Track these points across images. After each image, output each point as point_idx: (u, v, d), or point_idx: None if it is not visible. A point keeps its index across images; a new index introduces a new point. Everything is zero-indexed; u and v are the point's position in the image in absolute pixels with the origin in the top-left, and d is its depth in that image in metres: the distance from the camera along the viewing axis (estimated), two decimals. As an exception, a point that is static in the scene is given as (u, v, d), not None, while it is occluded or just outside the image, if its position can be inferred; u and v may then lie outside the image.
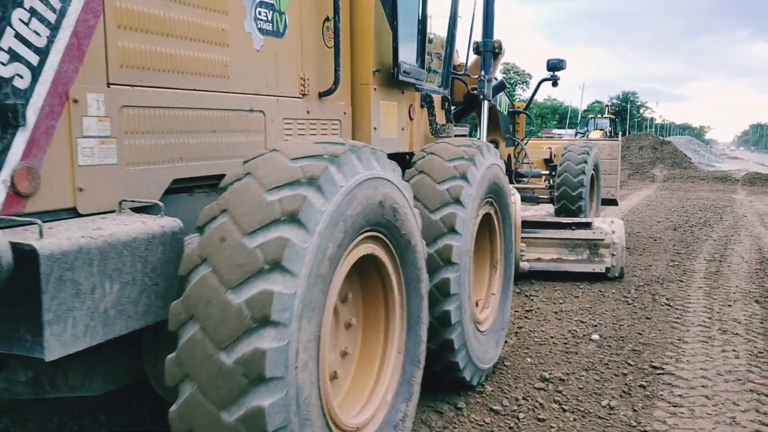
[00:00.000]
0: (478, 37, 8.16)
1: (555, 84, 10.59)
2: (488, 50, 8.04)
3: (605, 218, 9.42)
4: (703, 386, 5.12)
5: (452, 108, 6.84)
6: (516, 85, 75.83)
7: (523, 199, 10.37)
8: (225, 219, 2.58)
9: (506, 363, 5.53)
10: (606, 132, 40.82)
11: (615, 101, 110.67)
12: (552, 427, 4.40)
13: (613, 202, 13.34)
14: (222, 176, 3.33)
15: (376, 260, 3.46)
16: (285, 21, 3.94)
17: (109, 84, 2.75)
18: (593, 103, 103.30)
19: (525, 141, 11.06)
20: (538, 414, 4.58)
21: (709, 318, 7.02)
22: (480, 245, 5.21)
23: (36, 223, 2.19)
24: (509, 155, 10.53)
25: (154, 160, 3.00)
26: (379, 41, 4.80)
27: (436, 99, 6.22)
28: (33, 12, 2.38)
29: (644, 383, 5.16)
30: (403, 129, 5.39)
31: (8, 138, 2.32)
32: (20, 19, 2.34)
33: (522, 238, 7.88)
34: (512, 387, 5.05)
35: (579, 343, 6.14)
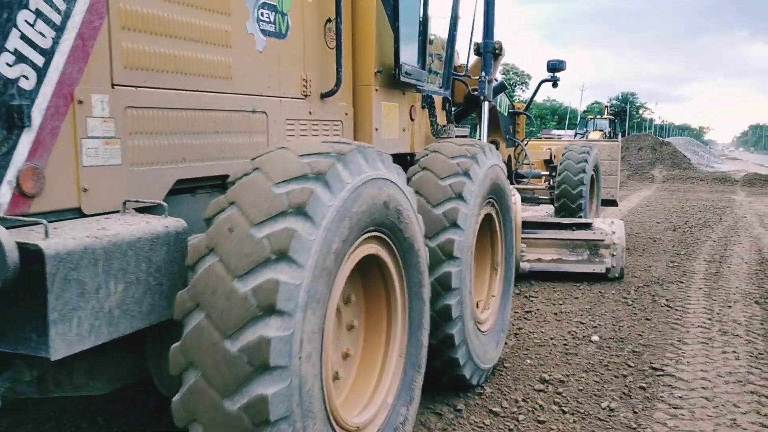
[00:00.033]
0: (478, 38, 8.19)
1: (555, 85, 10.60)
2: (489, 51, 8.06)
3: (605, 219, 9.44)
4: (703, 388, 5.12)
5: (453, 109, 6.85)
6: (515, 86, 75.83)
7: (523, 200, 10.38)
8: (233, 210, 2.62)
9: (506, 364, 5.53)
10: (605, 133, 40.83)
11: (614, 102, 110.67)
12: (552, 429, 4.40)
13: (613, 203, 13.37)
14: (225, 177, 3.37)
15: (379, 262, 3.48)
16: (287, 22, 3.96)
17: (113, 85, 2.76)
18: (592, 103, 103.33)
19: (525, 142, 11.08)
20: (538, 416, 4.58)
21: (709, 319, 7.02)
22: (481, 246, 5.23)
23: (41, 223, 2.21)
24: (509, 156, 10.55)
25: (158, 161, 3.02)
26: (381, 42, 4.82)
27: (437, 100, 6.24)
28: (38, 13, 2.40)
29: (644, 385, 5.16)
30: (404, 130, 5.41)
31: (14, 138, 2.34)
32: (26, 21, 2.35)
33: (522, 238, 7.90)
34: (512, 388, 5.05)
35: (579, 344, 6.14)
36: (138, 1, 2.88)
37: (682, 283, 8.75)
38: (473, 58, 8.29)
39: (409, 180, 4.54)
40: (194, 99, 3.23)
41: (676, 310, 7.38)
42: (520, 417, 4.55)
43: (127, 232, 2.47)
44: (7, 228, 2.13)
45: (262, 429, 2.42)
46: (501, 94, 9.82)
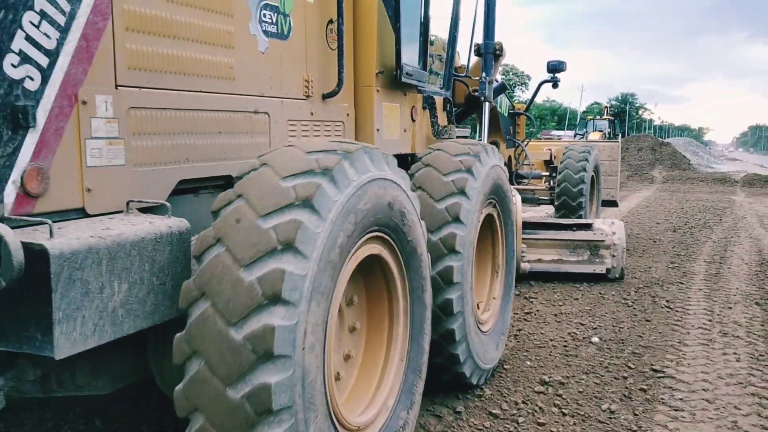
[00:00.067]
0: (479, 39, 8.20)
1: (555, 86, 10.62)
2: (489, 52, 8.08)
3: (605, 219, 9.46)
4: (704, 390, 5.11)
5: (454, 109, 6.87)
6: (515, 87, 75.85)
7: (524, 201, 10.40)
8: (241, 203, 2.65)
9: (505, 366, 5.52)
10: (605, 133, 40.89)
11: (614, 103, 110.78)
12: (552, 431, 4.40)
13: (613, 204, 13.39)
14: (227, 177, 3.39)
15: (382, 264, 3.50)
16: (289, 23, 3.97)
17: (117, 86, 2.78)
18: (592, 104, 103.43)
19: (525, 142, 11.09)
20: (538, 418, 4.56)
21: (710, 320, 7.02)
22: (481, 248, 5.25)
23: (46, 223, 2.22)
24: (510, 157, 10.56)
25: (161, 161, 3.03)
26: (382, 43, 4.83)
27: (438, 100, 6.25)
28: (43, 15, 2.41)
29: (645, 387, 5.14)
30: (405, 130, 5.43)
31: (18, 139, 2.35)
32: (31, 22, 2.37)
33: (523, 239, 7.92)
34: (511, 390, 5.03)
35: (579, 345, 6.13)
36: (141, 2, 2.89)
37: (682, 284, 8.75)
38: (474, 58, 8.32)
39: (412, 176, 4.59)
40: (197, 100, 3.25)
41: (677, 311, 7.38)
42: (520, 419, 4.54)
43: (130, 232, 2.48)
44: (12, 228, 2.14)
45: (264, 418, 2.43)
46: (501, 95, 9.84)
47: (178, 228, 2.71)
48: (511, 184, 9.01)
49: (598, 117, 50.82)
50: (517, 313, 7.13)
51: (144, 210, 2.86)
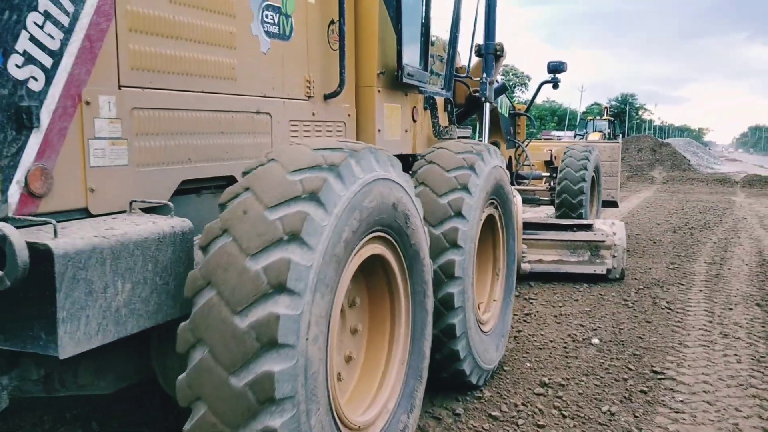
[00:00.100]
0: (479, 39, 8.21)
1: (556, 86, 10.63)
2: (490, 53, 8.07)
3: (606, 220, 9.47)
4: (704, 392, 5.10)
5: (455, 110, 6.88)
6: (515, 87, 75.88)
7: (524, 201, 10.41)
8: (248, 195, 2.67)
9: (505, 367, 5.50)
10: (605, 134, 40.92)
11: (613, 103, 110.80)
12: (552, 433, 4.39)
13: (613, 204, 13.40)
14: (229, 177, 3.40)
15: (385, 266, 3.52)
16: (291, 24, 3.98)
17: (120, 86, 2.79)
18: (592, 104, 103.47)
19: (526, 143, 11.10)
20: (538, 420, 4.55)
21: (710, 322, 7.01)
22: (482, 249, 5.26)
23: (50, 223, 2.23)
24: (510, 157, 10.57)
25: (164, 162, 3.04)
26: (383, 44, 4.85)
27: (439, 101, 6.26)
28: (47, 15, 2.42)
29: (645, 388, 5.13)
30: (406, 131, 5.44)
31: (22, 139, 2.36)
32: (35, 23, 2.38)
33: (523, 239, 7.92)
34: (511, 392, 5.02)
35: (579, 347, 6.12)
36: (145, 3, 2.90)
37: (682, 285, 8.75)
38: (475, 59, 8.32)
39: (414, 173, 4.64)
40: (199, 100, 3.26)
41: (677, 312, 7.37)
42: (520, 421, 4.52)
43: (134, 232, 2.49)
44: (17, 228, 2.15)
45: (266, 407, 2.44)
46: (502, 96, 9.84)
47: (181, 228, 2.72)
48: (512, 184, 9.03)
49: (598, 117, 50.83)
50: (516, 314, 7.12)
51: (147, 210, 2.87)
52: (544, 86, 11.00)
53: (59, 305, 2.17)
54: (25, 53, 2.35)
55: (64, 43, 2.50)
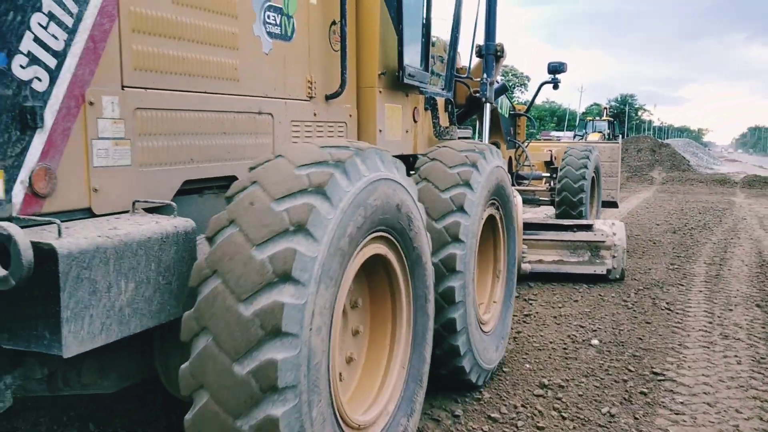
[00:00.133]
0: (480, 40, 8.22)
1: (556, 87, 10.63)
2: (490, 53, 8.08)
3: (606, 220, 9.48)
4: (705, 393, 5.09)
5: (455, 110, 6.89)
6: (514, 88, 75.85)
7: (524, 201, 10.41)
8: (255, 187, 2.72)
9: (504, 369, 5.49)
10: (604, 134, 40.95)
11: (613, 104, 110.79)
12: (551, 435, 4.38)
13: (613, 205, 13.42)
14: (231, 177, 3.41)
15: (388, 268, 3.54)
16: (293, 25, 3.99)
17: (123, 87, 2.80)
18: (591, 105, 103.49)
19: (526, 143, 11.11)
20: (537, 422, 4.54)
21: (710, 323, 7.01)
22: (483, 249, 5.27)
23: (55, 223, 2.24)
24: (510, 157, 10.58)
25: (167, 162, 3.05)
26: (385, 45, 4.86)
27: (440, 102, 6.27)
28: (51, 16, 2.43)
29: (645, 390, 5.12)
30: (407, 131, 5.45)
31: (26, 139, 2.37)
32: (39, 23, 2.39)
33: (524, 239, 7.93)
34: (511, 394, 5.01)
35: (578, 348, 6.12)
36: (148, 4, 2.91)
37: (682, 285, 8.75)
38: (475, 60, 8.33)
39: (417, 169, 4.69)
40: (202, 100, 3.27)
41: (677, 313, 7.37)
42: (519, 423, 4.51)
43: (137, 231, 2.51)
44: (21, 227, 2.16)
45: (269, 396, 2.45)
46: (502, 96, 9.85)
47: (184, 228, 2.73)
48: (512, 185, 9.04)
49: (597, 118, 50.87)
50: (516, 315, 7.11)
51: (150, 210, 2.88)
52: (544, 87, 11.01)
53: (63, 304, 2.18)
54: (29, 54, 2.36)
55: (68, 43, 2.51)
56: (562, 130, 72.54)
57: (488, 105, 7.97)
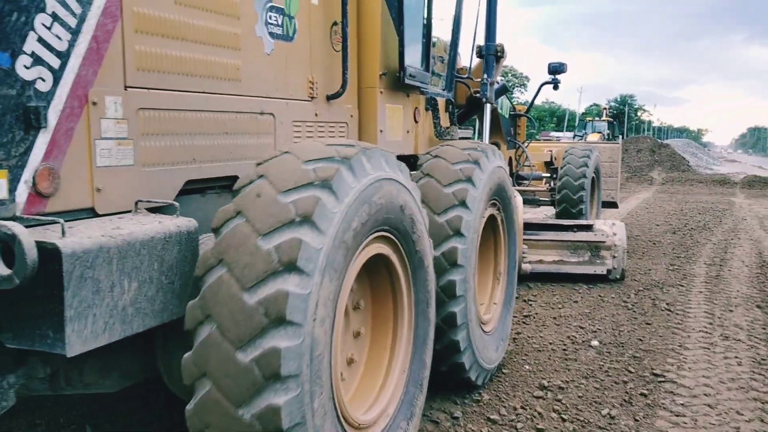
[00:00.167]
0: (480, 40, 8.23)
1: (556, 87, 10.64)
2: (491, 54, 8.10)
3: (606, 221, 9.49)
4: (705, 395, 5.07)
5: (456, 111, 6.90)
6: (514, 88, 75.85)
7: (524, 202, 10.42)
8: (262, 181, 2.75)
9: (504, 370, 5.47)
10: (604, 135, 40.98)
11: (613, 104, 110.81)
12: (551, 437, 4.36)
13: (613, 205, 13.43)
14: (233, 177, 3.42)
15: (390, 270, 3.56)
16: (294, 25, 4.00)
17: (126, 87, 2.81)
18: (591, 106, 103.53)
19: (526, 144, 11.11)
20: (537, 423, 4.52)
21: (711, 324, 6.99)
22: (483, 251, 5.29)
23: (59, 222, 2.25)
24: (510, 158, 10.58)
25: (169, 162, 3.06)
26: (385, 45, 4.87)
27: (441, 102, 6.28)
28: (55, 17, 2.44)
29: (645, 391, 5.10)
30: (408, 131, 5.46)
31: (30, 139, 2.38)
32: (43, 24, 2.40)
33: (524, 239, 7.94)
34: (510, 395, 4.99)
35: (578, 349, 6.10)
36: (150, 4, 2.92)
37: (682, 286, 8.74)
38: (475, 60, 8.35)
39: (420, 166, 4.74)
40: (204, 101, 3.28)
41: (677, 314, 7.36)
42: (519, 425, 4.49)
43: (140, 231, 2.52)
44: (25, 227, 2.16)
45: (271, 384, 2.46)
46: (502, 97, 9.86)
47: (186, 227, 2.74)
48: (512, 185, 9.04)
49: (597, 118, 50.91)
50: (515, 316, 7.09)
51: (152, 210, 2.89)
52: (545, 87, 11.02)
53: (67, 304, 2.19)
54: (33, 54, 2.37)
55: (72, 44, 2.52)
56: (562, 131, 72.56)
57: (488, 105, 7.99)
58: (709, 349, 6.17)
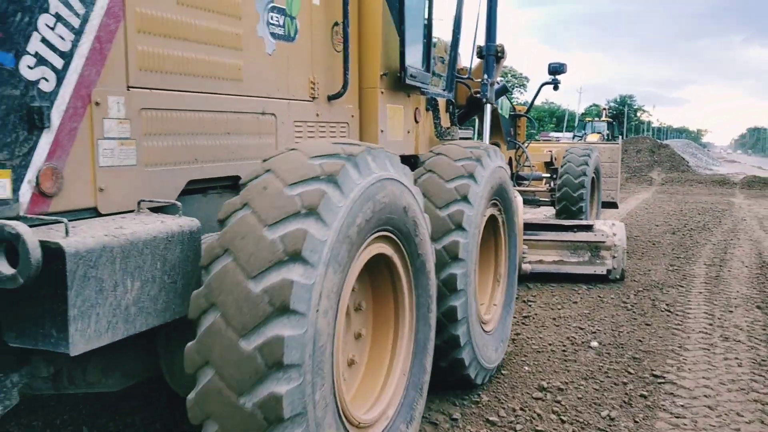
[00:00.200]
0: (481, 41, 8.24)
1: (556, 87, 10.66)
2: (491, 54, 8.12)
3: (606, 221, 9.50)
4: (705, 396, 5.05)
5: (456, 111, 6.92)
6: (514, 88, 75.81)
7: (524, 202, 10.43)
8: (269, 174, 2.79)
9: (503, 371, 5.46)
10: (603, 135, 40.98)
11: (612, 105, 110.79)
12: (550, 439, 4.35)
13: (613, 205, 13.44)
14: (235, 177, 3.43)
15: (392, 271, 3.57)
16: (296, 26, 4.01)
17: (129, 87, 2.82)
18: (590, 106, 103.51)
19: (526, 144, 11.13)
20: (536, 425, 4.50)
21: (710, 324, 6.99)
22: (484, 252, 5.30)
23: (62, 222, 2.26)
24: (510, 158, 10.59)
25: (171, 162, 3.07)
26: (386, 46, 4.88)
27: (441, 102, 6.30)
28: (58, 17, 2.45)
29: (645, 393, 5.08)
30: (408, 132, 5.47)
31: (34, 139, 2.39)
32: (46, 24, 2.41)
33: (524, 240, 7.95)
34: (509, 397, 4.98)
35: (578, 350, 6.09)
36: (153, 5, 2.93)
37: (682, 287, 8.74)
38: (476, 60, 8.36)
39: (423, 162, 4.79)
40: (206, 101, 3.29)
41: (677, 315, 7.36)
42: (518, 426, 4.48)
43: (143, 231, 2.52)
44: (29, 227, 2.17)
45: (274, 372, 2.47)
46: (502, 97, 9.87)
47: (189, 227, 2.75)
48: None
49: (596, 119, 50.92)
50: (515, 317, 7.06)
51: (155, 209, 2.90)
52: (544, 87, 11.03)
53: (70, 303, 2.19)
54: (36, 54, 2.38)
55: (75, 44, 2.53)
56: (561, 131, 72.54)
57: (489, 106, 8.00)
58: (709, 350, 6.16)
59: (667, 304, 7.77)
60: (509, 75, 76.73)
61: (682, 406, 4.89)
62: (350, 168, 2.91)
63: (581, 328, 6.77)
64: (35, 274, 2.10)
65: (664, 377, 5.44)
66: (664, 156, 35.83)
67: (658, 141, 43.33)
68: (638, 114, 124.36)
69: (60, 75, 2.48)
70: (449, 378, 4.77)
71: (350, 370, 3.53)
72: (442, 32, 6.34)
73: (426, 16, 5.43)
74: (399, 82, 5.01)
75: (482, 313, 5.11)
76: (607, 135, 41.86)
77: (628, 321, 7.07)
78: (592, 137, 38.61)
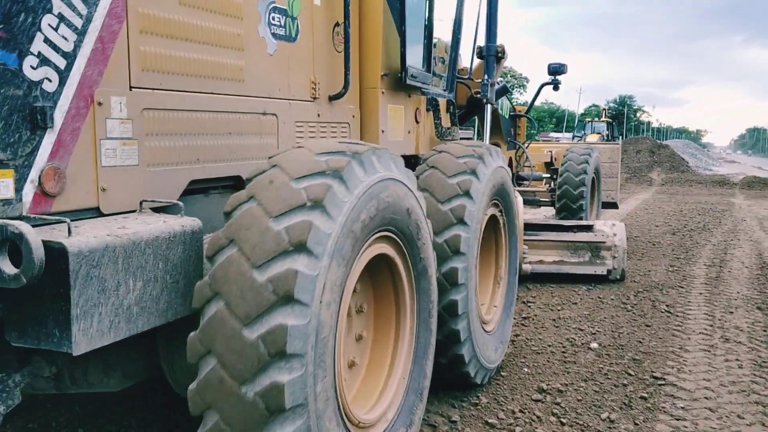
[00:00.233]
0: (481, 41, 8.25)
1: (556, 88, 10.66)
2: (491, 54, 8.13)
3: (606, 221, 9.50)
4: (706, 398, 5.03)
5: (456, 111, 6.92)
6: (513, 89, 75.83)
7: (525, 202, 10.44)
8: (275, 169, 2.82)
9: (502, 373, 5.44)
10: (603, 135, 40.98)
11: (612, 105, 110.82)
12: (550, 442, 4.34)
13: (613, 205, 13.44)
14: (236, 177, 3.44)
15: (394, 273, 3.58)
16: (297, 26, 4.02)
17: (131, 87, 2.83)
18: (590, 106, 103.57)
19: (526, 144, 11.13)
20: (536, 427, 4.48)
21: (711, 326, 6.97)
22: (485, 253, 5.30)
23: (65, 222, 2.26)
24: (510, 158, 10.60)
25: (173, 162, 3.08)
26: (387, 46, 4.89)
27: (442, 102, 6.30)
28: (61, 18, 2.46)
29: (645, 395, 5.06)
30: (409, 132, 5.48)
31: (36, 139, 2.40)
32: (49, 25, 2.41)
33: (524, 240, 7.95)
34: (508, 399, 4.95)
35: (577, 351, 6.06)
36: (155, 5, 2.94)
37: (682, 288, 8.73)
38: (476, 61, 8.37)
39: (425, 160, 4.81)
40: (208, 101, 3.30)
41: (677, 316, 7.34)
42: (517, 429, 4.45)
43: (145, 230, 2.53)
44: (32, 226, 2.18)
45: (276, 361, 2.48)
46: (502, 97, 9.87)
47: (191, 227, 2.76)
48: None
49: (596, 119, 50.91)
50: (514, 318, 7.00)
51: (157, 209, 2.91)
52: (545, 88, 11.04)
53: (73, 302, 2.20)
54: (39, 55, 2.39)
55: (78, 44, 2.54)
56: (561, 132, 72.56)
57: (489, 106, 8.01)
58: (709, 351, 6.15)
59: (667, 305, 7.75)
60: (509, 75, 76.74)
61: (682, 408, 4.87)
62: (355, 165, 2.95)
63: (581, 330, 6.75)
64: (38, 274, 2.11)
65: (664, 379, 5.41)
66: (663, 156, 35.84)
67: (658, 141, 43.31)
68: (638, 114, 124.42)
69: (63, 75, 2.49)
70: (448, 375, 4.74)
71: (351, 371, 3.54)
72: (442, 33, 6.36)
73: (427, 17, 5.44)
74: (400, 82, 5.02)
75: (483, 313, 5.11)
76: (607, 135, 41.85)
77: (628, 322, 7.06)
78: (592, 137, 38.60)
